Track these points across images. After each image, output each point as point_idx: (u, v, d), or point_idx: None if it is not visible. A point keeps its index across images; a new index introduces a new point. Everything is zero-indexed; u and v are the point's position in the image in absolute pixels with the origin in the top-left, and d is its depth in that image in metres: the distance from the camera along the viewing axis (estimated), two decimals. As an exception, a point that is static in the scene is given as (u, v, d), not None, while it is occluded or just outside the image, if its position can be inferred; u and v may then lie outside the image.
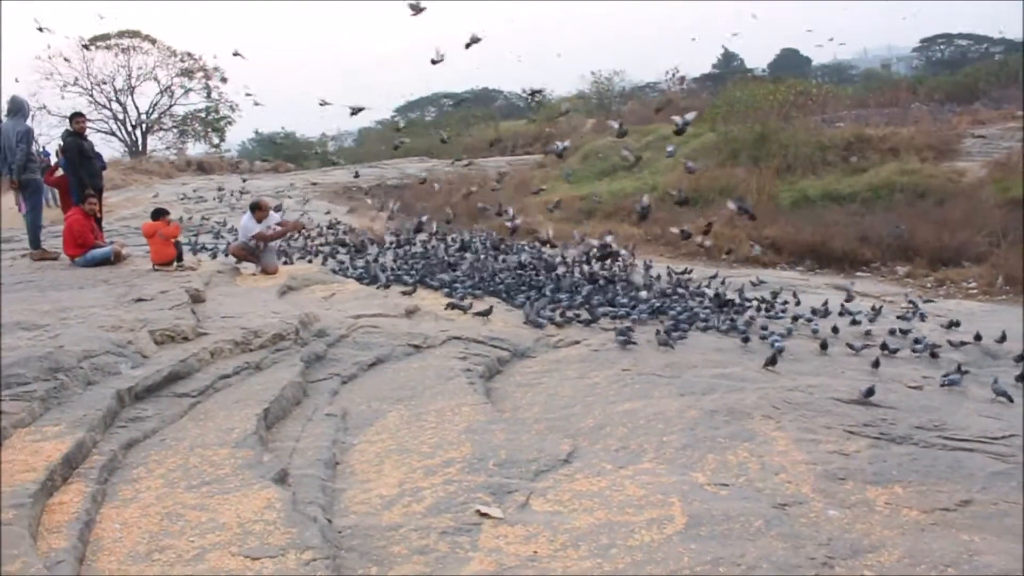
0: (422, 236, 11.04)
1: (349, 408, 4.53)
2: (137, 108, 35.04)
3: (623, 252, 9.47)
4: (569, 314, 7.01)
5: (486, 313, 6.84)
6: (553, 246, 9.88)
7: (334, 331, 5.80)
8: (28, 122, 8.41)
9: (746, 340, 6.26)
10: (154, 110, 35.44)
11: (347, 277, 8.53)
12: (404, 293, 7.63)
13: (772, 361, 5.51)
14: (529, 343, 6.20)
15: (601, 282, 8.55)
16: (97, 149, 8.75)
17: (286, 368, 4.92)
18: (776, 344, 6.00)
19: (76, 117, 8.61)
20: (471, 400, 4.57)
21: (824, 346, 6.12)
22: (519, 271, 9.18)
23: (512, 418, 4.47)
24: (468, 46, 8.05)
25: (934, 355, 6.01)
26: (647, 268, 9.55)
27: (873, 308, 7.74)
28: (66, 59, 32.36)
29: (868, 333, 6.79)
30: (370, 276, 8.57)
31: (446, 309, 7.05)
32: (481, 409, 4.44)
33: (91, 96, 33.71)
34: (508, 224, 9.65)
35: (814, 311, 7.70)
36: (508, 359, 5.82)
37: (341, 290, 7.57)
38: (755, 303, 7.90)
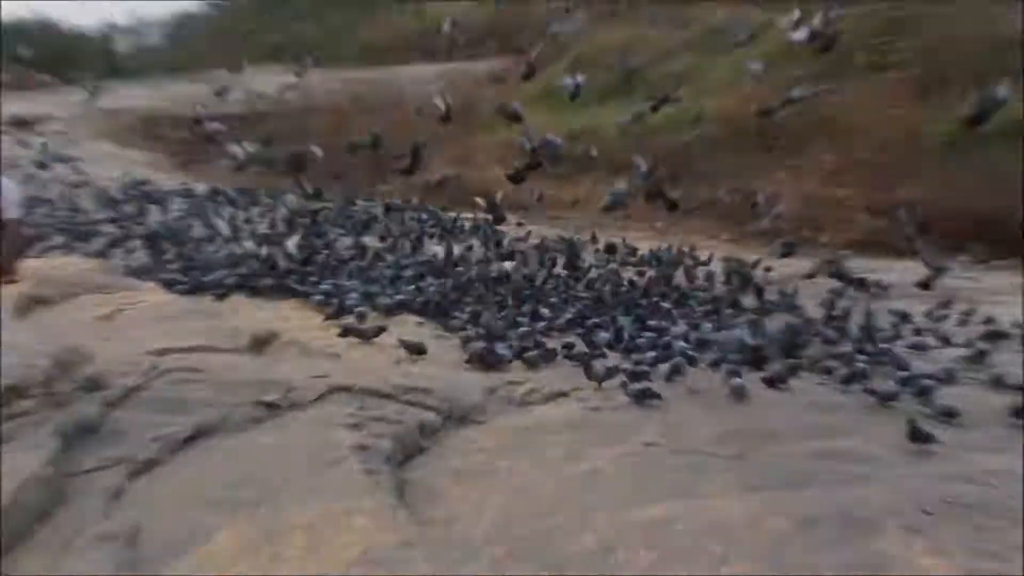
0: None
1: (144, 523, 2.63)
2: None
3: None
4: (549, 344, 4.68)
5: (419, 350, 4.53)
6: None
7: (118, 379, 3.52)
8: None
9: (874, 393, 4.10)
10: None
11: (148, 280, 5.91)
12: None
13: (922, 436, 3.45)
14: (476, 396, 3.98)
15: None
16: None
17: (25, 451, 2.83)
18: (936, 400, 3.89)
19: None
20: (369, 504, 2.75)
21: (1018, 411, 3.80)
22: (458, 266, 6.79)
23: (445, 538, 2.70)
24: None
25: None
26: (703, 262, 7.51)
27: None
28: None
29: None
30: (193, 283, 5.82)
31: (340, 336, 4.72)
32: (388, 521, 2.66)
33: None
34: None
35: (989, 336, 5.23)
36: (438, 426, 3.67)
37: (136, 303, 5.15)
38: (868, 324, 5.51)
